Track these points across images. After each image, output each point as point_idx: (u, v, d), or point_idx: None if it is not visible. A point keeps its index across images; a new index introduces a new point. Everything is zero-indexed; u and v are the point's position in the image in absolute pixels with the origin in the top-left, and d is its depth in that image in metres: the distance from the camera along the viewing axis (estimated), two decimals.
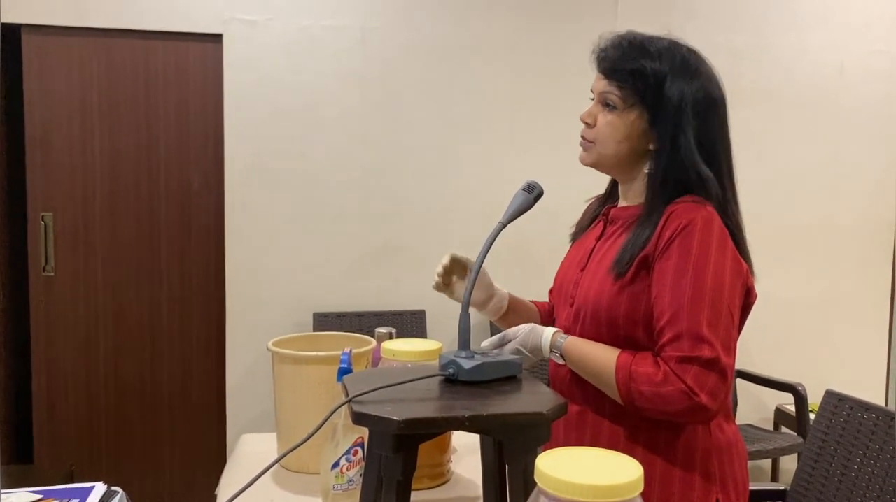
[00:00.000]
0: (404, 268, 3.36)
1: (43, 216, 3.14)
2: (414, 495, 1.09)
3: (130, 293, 3.22)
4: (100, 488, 1.54)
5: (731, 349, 1.19)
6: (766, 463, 3.54)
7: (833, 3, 3.66)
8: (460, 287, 1.47)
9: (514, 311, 1.51)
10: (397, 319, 3.26)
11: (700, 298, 1.17)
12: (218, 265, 3.26)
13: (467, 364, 1.12)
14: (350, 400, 1.03)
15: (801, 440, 3.08)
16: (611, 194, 1.46)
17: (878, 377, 3.81)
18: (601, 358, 1.24)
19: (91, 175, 3.17)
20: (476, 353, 1.16)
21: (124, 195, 3.20)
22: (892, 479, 1.75)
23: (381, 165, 3.33)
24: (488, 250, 1.20)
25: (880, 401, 3.74)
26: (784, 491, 2.00)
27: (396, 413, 0.98)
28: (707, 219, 1.22)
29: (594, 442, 1.26)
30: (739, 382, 3.37)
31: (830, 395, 1.98)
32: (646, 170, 1.31)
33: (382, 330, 1.73)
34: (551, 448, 0.89)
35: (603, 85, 1.31)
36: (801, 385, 3.09)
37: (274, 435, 1.78)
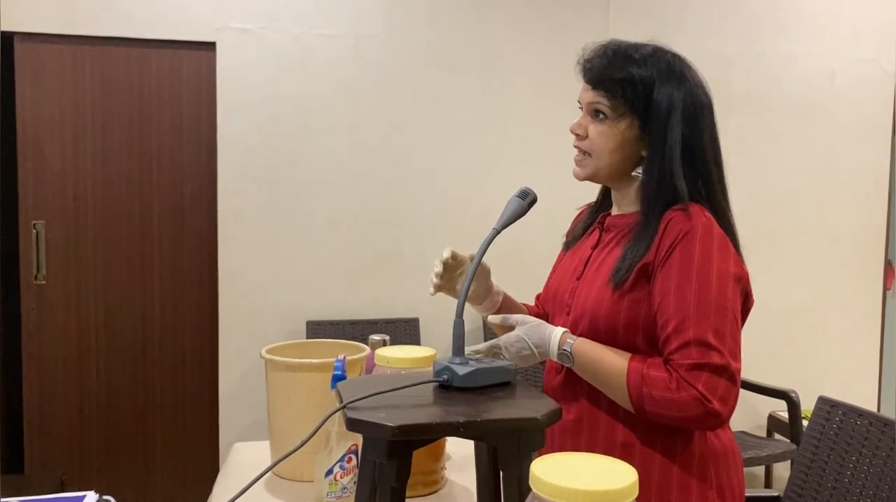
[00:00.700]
0: (397, 275, 3.36)
1: (35, 224, 3.12)
2: None
3: (123, 301, 3.21)
4: (91, 497, 1.53)
5: (737, 355, 1.19)
6: (760, 470, 3.55)
7: (823, 12, 3.69)
8: (460, 283, 1.44)
9: (507, 309, 1.50)
10: (391, 327, 3.26)
11: (705, 305, 1.17)
12: (211, 273, 3.26)
13: (461, 370, 1.12)
14: (344, 407, 1.03)
15: (794, 447, 3.08)
16: (603, 202, 1.46)
17: (870, 383, 3.82)
18: (612, 360, 1.23)
19: (83, 183, 3.16)
20: (470, 359, 1.16)
21: (117, 203, 3.19)
22: (885, 484, 1.76)
23: (375, 173, 3.33)
24: (482, 256, 1.20)
25: (872, 407, 3.75)
26: (778, 497, 2.01)
27: (391, 419, 0.97)
28: (707, 226, 1.22)
29: (590, 450, 1.26)
30: None
31: (823, 401, 1.99)
32: (633, 174, 1.31)
33: (376, 337, 1.73)
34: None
35: (591, 95, 1.30)
36: (793, 392, 3.10)
37: (267, 443, 1.77)
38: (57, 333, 3.16)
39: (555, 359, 1.28)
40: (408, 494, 1.07)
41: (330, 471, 1.37)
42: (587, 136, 1.32)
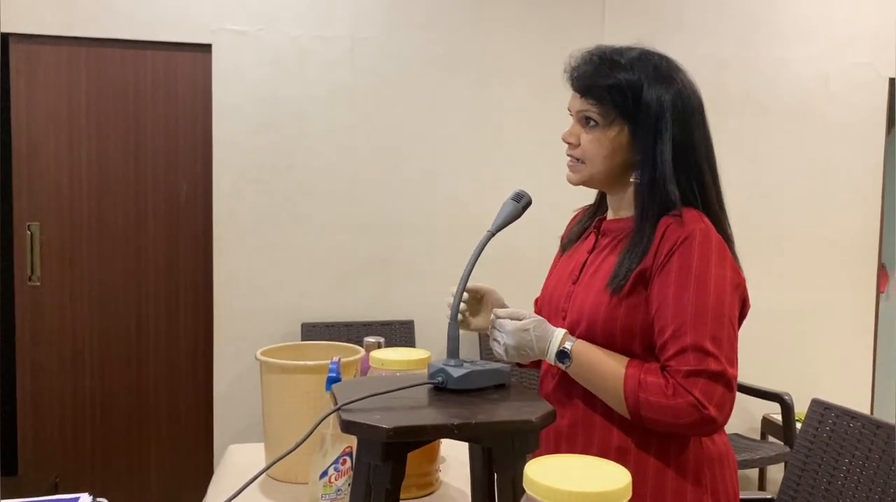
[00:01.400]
0: (393, 278, 3.36)
1: (29, 226, 3.12)
2: None
3: (117, 303, 3.21)
4: (85, 499, 1.53)
5: (734, 361, 1.19)
6: (754, 473, 3.56)
7: (818, 16, 3.71)
8: (481, 320, 1.45)
9: None
10: (386, 329, 3.26)
11: (703, 312, 1.18)
12: (206, 275, 3.25)
13: (456, 372, 1.13)
14: (339, 409, 1.03)
15: (787, 449, 3.09)
16: (600, 205, 1.46)
17: (863, 386, 3.84)
18: (609, 365, 1.23)
19: (78, 185, 3.16)
20: (465, 362, 1.16)
21: (112, 205, 3.19)
22: (877, 487, 1.77)
23: (371, 176, 3.33)
24: (477, 258, 1.21)
25: (866, 410, 3.77)
26: (771, 499, 2.01)
27: (385, 421, 0.98)
28: (705, 232, 1.22)
29: (586, 452, 1.26)
30: None
31: (816, 404, 1.99)
32: (631, 180, 1.31)
33: (371, 339, 1.73)
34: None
35: (580, 103, 1.30)
36: (787, 394, 3.11)
37: (261, 445, 1.77)
38: (51, 335, 3.15)
39: (551, 359, 1.26)
40: (402, 496, 1.07)
41: (324, 473, 1.37)
42: (579, 144, 1.31)
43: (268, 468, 1.05)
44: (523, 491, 1.05)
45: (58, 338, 3.16)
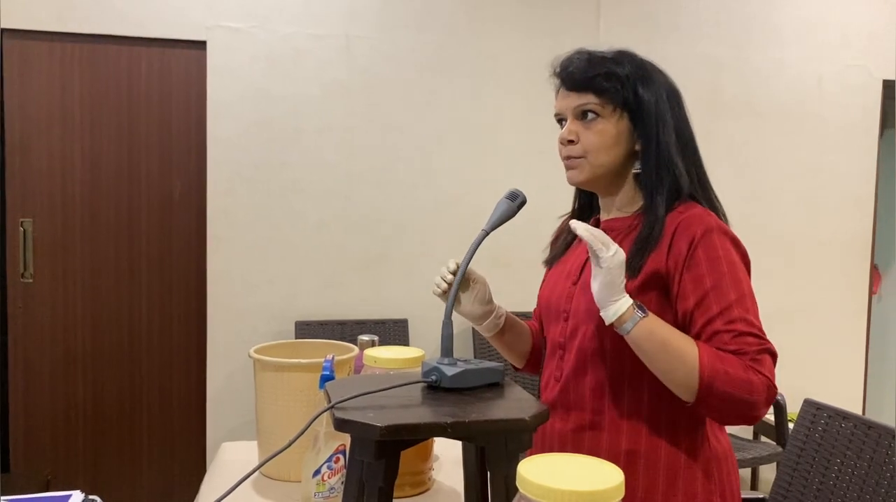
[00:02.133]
0: (386, 276, 3.36)
1: (22, 222, 3.10)
2: None
3: (110, 300, 3.20)
4: (77, 497, 1.52)
5: None
6: (746, 473, 3.57)
7: (812, 18, 3.72)
8: (463, 302, 1.40)
9: (511, 330, 1.48)
10: (380, 328, 3.26)
11: (743, 298, 1.20)
12: (199, 272, 3.25)
13: (450, 371, 1.12)
14: (332, 407, 1.03)
15: (780, 449, 3.10)
16: (582, 210, 1.45)
17: (855, 386, 3.85)
18: (681, 336, 1.19)
19: (71, 181, 3.14)
20: (459, 360, 1.16)
21: (105, 202, 3.18)
22: (868, 487, 1.77)
23: (365, 174, 3.33)
24: (472, 256, 1.21)
25: (858, 410, 3.78)
26: (763, 499, 2.02)
27: (379, 419, 0.97)
28: (718, 223, 1.24)
29: (594, 453, 1.26)
30: None
31: (809, 404, 2.00)
32: (633, 170, 1.31)
33: (365, 337, 1.73)
34: None
35: (576, 99, 1.30)
36: (780, 395, 3.11)
37: (254, 443, 1.77)
38: (43, 332, 3.14)
39: (621, 310, 1.17)
40: (395, 495, 1.07)
41: (318, 472, 1.37)
42: (578, 141, 1.30)
43: (261, 466, 1.05)
44: (516, 490, 1.05)
45: (50, 334, 3.15)
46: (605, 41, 3.48)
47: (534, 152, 3.45)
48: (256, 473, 1.63)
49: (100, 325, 3.19)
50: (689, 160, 1.31)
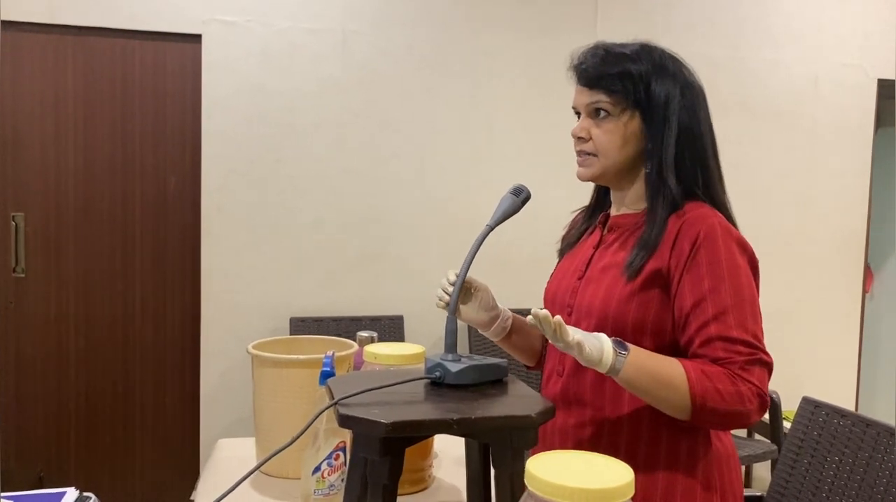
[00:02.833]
0: (382, 273, 3.34)
1: (14, 216, 3.07)
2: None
3: (103, 296, 3.17)
4: (72, 494, 1.51)
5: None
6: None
7: (807, 17, 3.73)
8: (467, 310, 1.38)
9: (518, 331, 1.47)
10: (375, 324, 3.24)
11: (742, 304, 1.18)
12: (193, 268, 3.22)
13: (454, 367, 1.12)
14: (336, 403, 1.02)
15: (774, 447, 3.11)
16: (597, 204, 1.45)
17: (848, 385, 3.87)
18: (665, 362, 1.17)
19: (64, 175, 3.11)
20: (462, 357, 1.15)
21: (98, 196, 3.15)
22: (867, 485, 1.78)
23: (360, 171, 3.31)
24: (476, 252, 1.20)
25: (851, 409, 3.80)
26: (761, 497, 2.02)
27: (384, 416, 0.96)
28: (724, 225, 1.23)
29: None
30: None
31: (807, 402, 2.00)
32: (645, 170, 1.30)
33: (364, 333, 1.72)
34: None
35: (589, 96, 1.29)
36: (774, 392, 3.12)
37: (251, 439, 1.76)
38: (35, 327, 3.11)
39: (605, 368, 1.14)
40: None
41: (317, 469, 1.36)
42: (590, 139, 1.30)
43: (262, 464, 1.04)
44: (522, 487, 1.04)
45: (42, 330, 3.12)
46: (601, 37, 3.46)
47: (530, 149, 3.44)
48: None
49: (93, 321, 3.16)
50: (697, 160, 1.28)
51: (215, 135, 3.16)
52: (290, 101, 3.23)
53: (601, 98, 1.28)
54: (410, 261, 3.36)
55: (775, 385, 3.21)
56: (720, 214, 1.26)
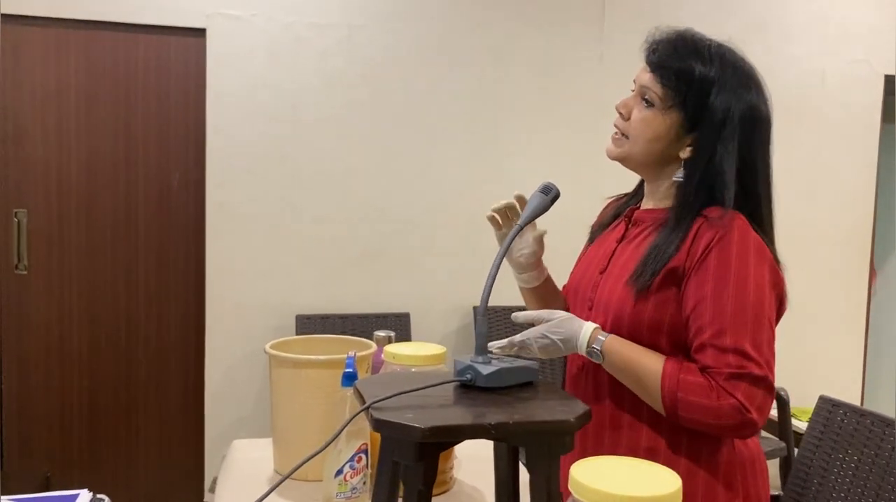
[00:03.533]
0: (387, 270, 3.31)
1: (16, 212, 3.03)
2: None
3: (106, 293, 3.13)
4: (85, 495, 1.48)
5: (772, 365, 1.17)
6: None
7: (814, 12, 3.71)
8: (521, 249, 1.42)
9: (545, 289, 1.46)
10: (381, 321, 3.22)
11: (742, 313, 1.14)
12: (197, 265, 3.19)
13: (485, 369, 1.09)
14: (368, 407, 1.00)
15: (783, 445, 3.09)
16: (636, 193, 1.43)
17: (854, 382, 3.86)
18: (645, 361, 1.19)
19: (67, 171, 3.08)
20: (493, 358, 1.13)
21: (101, 192, 3.11)
22: (887, 484, 1.76)
23: (365, 166, 3.28)
24: (506, 251, 1.18)
25: (856, 404, 3.79)
26: (777, 496, 2.00)
27: (419, 420, 0.94)
28: (743, 230, 1.19)
29: (613, 452, 1.23)
30: None
31: (824, 401, 1.99)
32: (674, 179, 1.26)
33: (381, 333, 1.69)
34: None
35: (646, 79, 1.26)
36: (783, 389, 3.10)
37: (266, 440, 1.73)
38: (38, 325, 3.07)
39: (583, 354, 1.24)
40: None
41: (339, 471, 1.34)
42: (629, 118, 1.27)
43: (293, 471, 1.01)
44: (558, 493, 1.02)
45: (45, 327, 3.08)
46: (608, 32, 3.45)
47: (538, 145, 3.42)
48: (271, 471, 1.59)
49: (96, 318, 3.13)
50: (747, 192, 1.23)
51: (220, 131, 3.12)
52: (294, 97, 3.19)
53: (653, 86, 1.24)
54: (416, 257, 3.34)
55: (783, 381, 3.21)
56: (745, 220, 1.21)
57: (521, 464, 1.24)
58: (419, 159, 3.33)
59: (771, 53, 3.66)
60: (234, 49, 3.12)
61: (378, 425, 0.96)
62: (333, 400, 1.43)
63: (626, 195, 1.45)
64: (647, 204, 1.35)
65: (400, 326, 3.25)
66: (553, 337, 1.22)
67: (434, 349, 1.47)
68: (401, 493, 1.03)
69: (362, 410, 1.01)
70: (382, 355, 1.48)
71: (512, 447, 1.17)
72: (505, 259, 1.27)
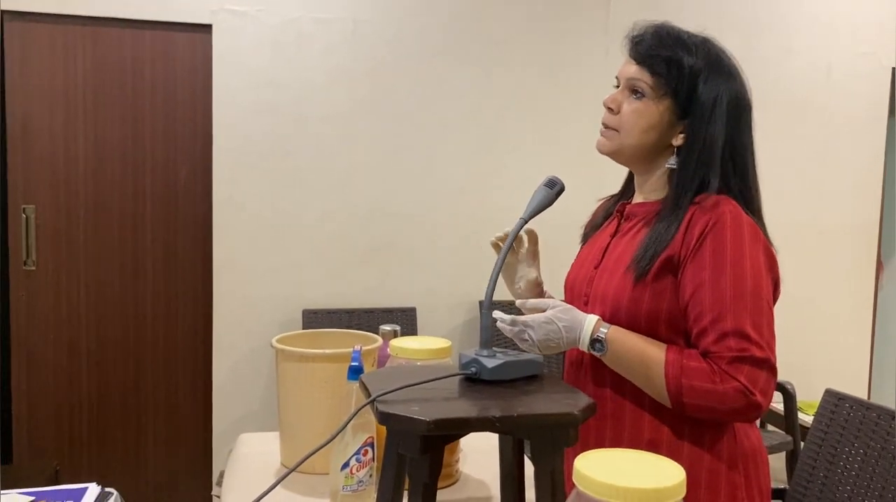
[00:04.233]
0: (393, 265, 3.32)
1: (24, 208, 3.05)
2: None
3: (114, 289, 3.15)
4: (94, 489, 1.50)
5: (773, 346, 1.17)
6: None
7: (821, 5, 3.69)
8: (518, 268, 1.45)
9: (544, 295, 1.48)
10: (388, 316, 3.23)
11: (741, 296, 1.15)
12: (205, 260, 3.20)
13: (490, 363, 1.10)
14: (374, 400, 1.00)
15: (789, 438, 3.09)
16: (624, 192, 1.44)
17: (861, 376, 3.86)
18: (648, 351, 1.19)
19: (74, 167, 3.09)
20: (497, 352, 1.13)
21: (109, 188, 3.13)
22: (894, 478, 1.76)
23: (371, 162, 3.29)
24: (510, 246, 1.18)
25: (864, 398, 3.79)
26: (784, 490, 2.01)
27: (425, 413, 0.95)
28: (735, 214, 1.20)
29: (615, 447, 1.24)
30: None
31: (830, 394, 1.98)
32: (667, 166, 1.28)
33: (387, 327, 1.70)
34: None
35: (633, 71, 1.27)
36: (789, 383, 3.10)
37: (273, 434, 1.74)
38: (47, 320, 3.09)
39: (584, 346, 1.22)
40: None
41: (346, 465, 1.34)
42: (619, 113, 1.28)
43: (299, 464, 1.02)
44: (562, 485, 1.03)
45: (53, 323, 3.10)
46: (612, 26, 3.44)
47: (543, 140, 3.41)
48: (278, 464, 1.60)
49: (104, 314, 3.15)
50: (736, 172, 1.25)
51: (226, 127, 3.13)
52: (299, 92, 3.20)
53: (642, 77, 1.25)
54: (421, 252, 3.34)
55: (789, 375, 3.21)
56: (737, 205, 1.22)
57: (525, 457, 1.25)
58: (424, 155, 3.34)
59: (776, 46, 3.65)
60: (240, 44, 3.12)
61: (384, 418, 0.97)
62: (339, 393, 1.44)
63: (613, 196, 1.46)
64: (637, 198, 1.36)
65: (406, 321, 3.26)
66: (558, 322, 1.21)
67: (439, 343, 1.47)
68: (406, 486, 1.04)
69: (368, 403, 1.02)
70: (388, 349, 1.49)
71: (517, 440, 1.18)
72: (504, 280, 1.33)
